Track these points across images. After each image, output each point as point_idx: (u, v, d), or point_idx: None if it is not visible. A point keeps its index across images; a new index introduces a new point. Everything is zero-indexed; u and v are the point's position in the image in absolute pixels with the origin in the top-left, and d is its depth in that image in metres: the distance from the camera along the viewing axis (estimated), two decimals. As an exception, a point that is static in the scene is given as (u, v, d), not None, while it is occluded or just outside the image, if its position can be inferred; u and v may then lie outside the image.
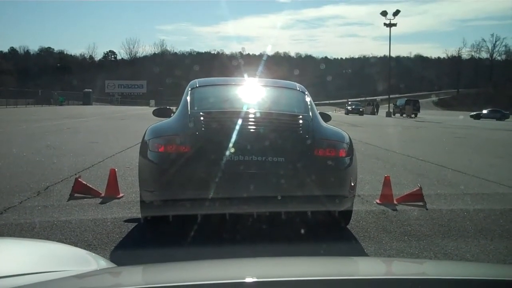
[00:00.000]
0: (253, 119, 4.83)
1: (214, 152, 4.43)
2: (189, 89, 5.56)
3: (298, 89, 5.93)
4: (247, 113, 4.91)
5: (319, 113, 5.60)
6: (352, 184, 4.79)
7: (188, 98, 5.30)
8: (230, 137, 4.46)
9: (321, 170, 4.56)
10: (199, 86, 5.73)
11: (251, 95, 5.82)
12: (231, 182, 4.43)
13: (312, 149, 4.61)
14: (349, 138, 4.99)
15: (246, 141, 4.48)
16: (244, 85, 6.25)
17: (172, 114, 5.72)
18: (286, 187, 4.44)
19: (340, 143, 4.83)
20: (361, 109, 56.94)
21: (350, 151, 4.82)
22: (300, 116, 5.08)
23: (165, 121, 5.46)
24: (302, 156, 4.57)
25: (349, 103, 63.64)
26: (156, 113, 6.27)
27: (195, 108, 5.09)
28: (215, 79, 6.77)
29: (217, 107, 5.46)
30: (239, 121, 4.64)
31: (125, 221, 5.15)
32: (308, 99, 5.59)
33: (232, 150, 4.39)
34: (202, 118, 4.85)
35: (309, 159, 4.56)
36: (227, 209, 4.62)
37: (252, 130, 4.70)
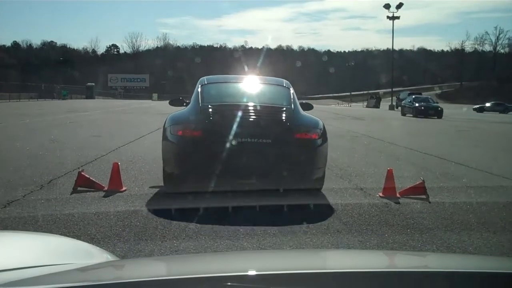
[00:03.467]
0: (248, 110, 6.15)
1: (219, 135, 5.74)
2: (199, 85, 6.88)
3: (284, 85, 7.20)
4: (244, 105, 6.29)
5: (305, 103, 7.29)
6: (323, 159, 6.16)
7: (199, 93, 6.63)
8: (231, 124, 5.75)
9: (299, 149, 5.91)
10: (207, 83, 7.05)
11: (248, 90, 7.18)
12: (232, 158, 5.67)
13: (292, 132, 5.98)
14: (323, 124, 6.33)
15: (243, 127, 5.76)
16: (242, 82, 7.61)
17: (185, 104, 7.12)
18: (273, 161, 5.81)
19: (314, 128, 6.19)
20: (440, 108, 33.01)
21: (322, 134, 6.16)
22: (284, 108, 6.45)
23: (181, 111, 6.73)
24: (284, 138, 5.89)
25: (414, 97, 37.80)
26: (172, 103, 7.69)
27: (204, 102, 6.41)
28: (219, 77, 8.27)
29: (221, 101, 6.75)
30: (238, 112, 5.95)
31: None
32: (292, 93, 6.86)
33: (233, 134, 5.67)
34: (210, 110, 6.24)
35: (290, 140, 5.89)
36: (230, 178, 5.84)
37: (248, 119, 5.97)
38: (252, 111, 6.19)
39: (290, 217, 5.16)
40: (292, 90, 6.94)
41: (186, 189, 5.84)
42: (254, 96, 6.93)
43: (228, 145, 5.64)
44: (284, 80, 7.44)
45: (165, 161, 6.16)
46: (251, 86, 7.43)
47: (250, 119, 6.00)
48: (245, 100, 6.65)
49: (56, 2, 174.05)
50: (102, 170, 7.53)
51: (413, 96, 37.73)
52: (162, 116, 23.58)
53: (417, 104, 33.82)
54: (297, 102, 6.72)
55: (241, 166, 5.78)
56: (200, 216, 5.08)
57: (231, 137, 5.65)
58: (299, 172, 5.95)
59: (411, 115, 33.22)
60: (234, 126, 5.72)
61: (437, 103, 36.54)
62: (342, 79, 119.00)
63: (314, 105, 8.08)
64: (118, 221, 4.89)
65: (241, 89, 7.32)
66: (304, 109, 6.86)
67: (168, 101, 8.06)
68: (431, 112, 32.40)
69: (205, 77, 7.28)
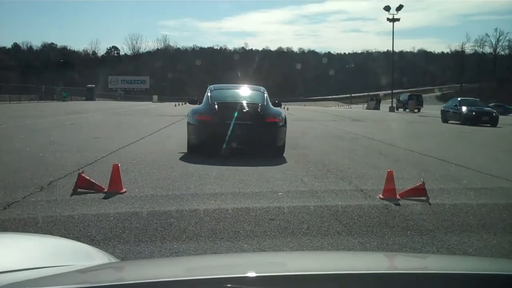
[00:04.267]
0: (239, 105, 10.24)
1: (221, 119, 9.79)
2: (209, 90, 11.12)
3: (261, 90, 11.38)
4: (236, 102, 10.51)
5: (276, 102, 11.87)
6: (283, 135, 10.19)
7: (209, 95, 10.79)
8: (228, 113, 9.86)
9: (268, 128, 10.04)
10: (214, 89, 11.28)
11: (238, 93, 11.42)
12: (228, 133, 9.48)
13: (264, 118, 10.17)
14: (284, 114, 10.59)
15: (235, 115, 9.71)
16: (235, 89, 11.90)
17: (198, 103, 11.20)
18: (253, 135, 9.80)
19: (278, 116, 10.32)
20: (495, 114, 27.08)
21: (283, 121, 10.29)
22: (260, 104, 10.62)
23: (198, 106, 10.96)
24: (259, 121, 10.00)
25: (459, 100, 29.08)
26: (190, 102, 12.29)
27: (212, 100, 10.54)
28: (222, 85, 12.57)
29: (223, 100, 10.73)
30: (233, 106, 10.20)
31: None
32: (265, 95, 11.03)
33: (230, 118, 9.67)
34: (216, 105, 10.33)
35: (262, 122, 10.04)
36: (227, 145, 9.47)
37: (238, 110, 9.93)
38: (241, 105, 10.25)
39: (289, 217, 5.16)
40: (266, 94, 11.08)
41: (202, 152, 9.55)
42: (242, 97, 11.08)
43: (226, 125, 9.57)
44: (261, 87, 11.79)
45: (189, 136, 10.15)
46: (240, 91, 11.71)
47: (239, 110, 9.96)
48: (236, 99, 10.84)
49: (56, 3, 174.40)
50: (102, 172, 7.52)
51: (459, 99, 29.48)
52: (163, 117, 23.70)
53: (465, 109, 26.83)
54: (269, 100, 10.93)
55: (234, 137, 9.56)
56: (200, 218, 5.08)
57: (228, 120, 9.65)
58: (268, 142, 9.95)
59: (458, 122, 26.70)
60: (230, 114, 9.76)
61: (490, 107, 30.16)
62: (342, 81, 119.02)
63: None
64: (118, 222, 4.89)
65: (234, 93, 11.48)
66: (275, 106, 11.24)
67: (187, 102, 12.36)
68: (485, 118, 26.08)
69: (212, 85, 11.68)
